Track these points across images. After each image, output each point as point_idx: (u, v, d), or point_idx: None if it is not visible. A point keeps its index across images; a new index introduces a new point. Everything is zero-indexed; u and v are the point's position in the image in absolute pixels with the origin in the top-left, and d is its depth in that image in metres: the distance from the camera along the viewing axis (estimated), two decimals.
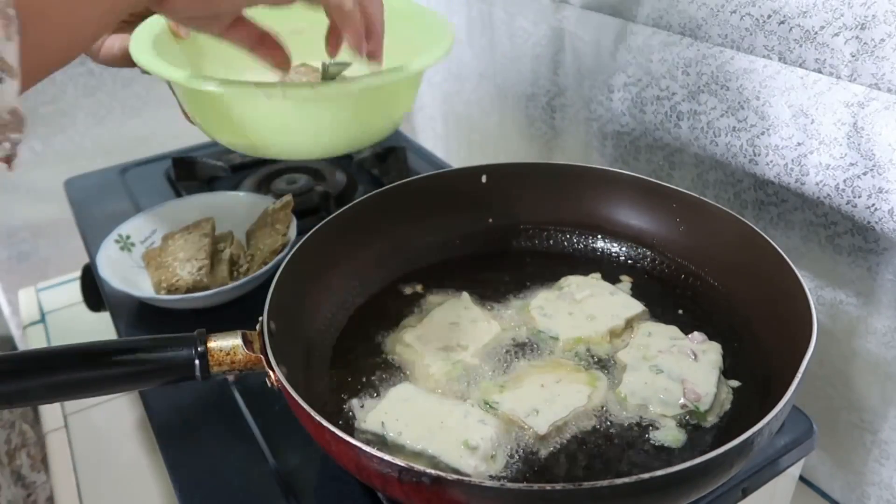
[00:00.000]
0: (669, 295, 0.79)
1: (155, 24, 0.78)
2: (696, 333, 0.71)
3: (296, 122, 0.73)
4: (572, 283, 0.79)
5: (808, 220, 0.77)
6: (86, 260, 1.04)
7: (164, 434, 0.72)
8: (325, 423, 0.54)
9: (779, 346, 0.64)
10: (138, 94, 1.47)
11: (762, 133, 0.78)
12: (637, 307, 0.76)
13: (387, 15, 0.69)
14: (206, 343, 0.61)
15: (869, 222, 0.70)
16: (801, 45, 0.72)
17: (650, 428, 0.64)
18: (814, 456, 0.82)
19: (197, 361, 0.60)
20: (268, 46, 0.71)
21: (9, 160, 0.41)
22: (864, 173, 0.69)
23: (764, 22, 0.74)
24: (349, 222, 0.79)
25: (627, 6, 0.90)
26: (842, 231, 0.73)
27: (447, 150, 1.49)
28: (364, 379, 0.70)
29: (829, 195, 0.73)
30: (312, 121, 0.73)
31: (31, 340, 1.20)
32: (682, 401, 0.64)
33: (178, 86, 0.73)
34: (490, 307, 0.78)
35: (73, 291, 1.14)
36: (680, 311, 0.76)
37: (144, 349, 0.60)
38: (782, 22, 0.72)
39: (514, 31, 1.10)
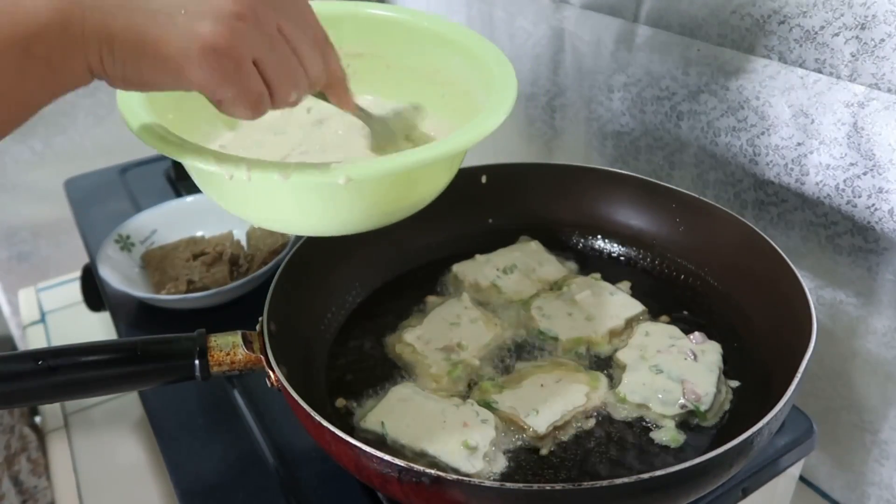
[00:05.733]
0: (669, 295, 0.79)
1: None
2: (696, 333, 0.71)
3: (275, 203, 0.56)
4: (572, 283, 0.79)
5: (808, 220, 0.77)
6: (86, 260, 1.04)
7: (164, 434, 0.72)
8: (325, 424, 0.54)
9: (779, 346, 0.64)
10: None
11: (762, 133, 0.78)
12: (637, 307, 0.76)
13: (436, 51, 0.64)
14: (206, 343, 0.61)
15: (869, 222, 0.70)
16: (801, 45, 0.72)
17: (650, 428, 0.64)
18: (814, 456, 0.82)
19: (197, 361, 0.60)
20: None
21: None
22: (864, 173, 0.69)
23: (764, 22, 0.74)
24: None
25: (627, 6, 0.90)
26: (842, 231, 0.73)
27: None
28: (364, 379, 0.70)
29: (829, 195, 0.73)
30: (296, 204, 0.56)
31: (31, 340, 1.20)
32: (681, 401, 0.64)
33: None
34: (490, 307, 0.78)
35: (73, 291, 1.14)
36: (680, 311, 0.76)
37: (144, 349, 0.60)
38: (782, 22, 0.72)
39: (514, 31, 1.10)
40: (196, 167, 0.51)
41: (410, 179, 0.57)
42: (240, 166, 0.49)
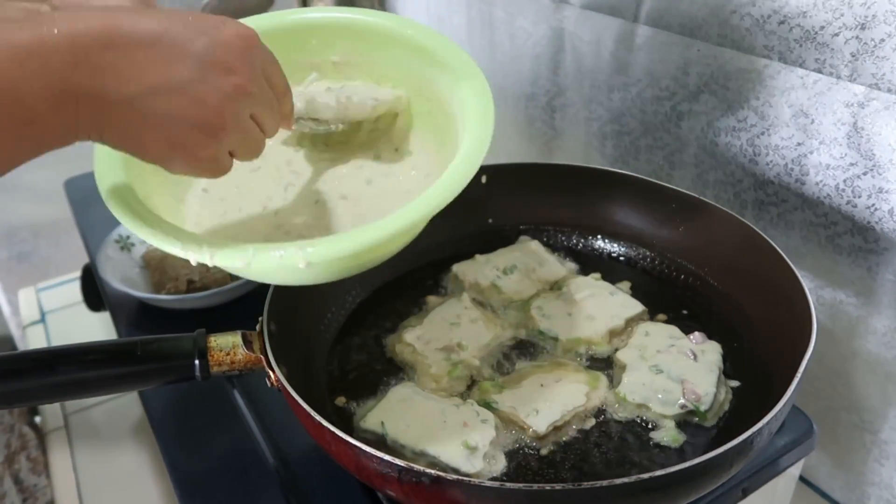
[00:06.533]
0: (669, 295, 0.79)
1: None
2: (696, 333, 0.71)
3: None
4: (572, 283, 0.79)
5: (808, 220, 0.77)
6: (86, 260, 1.04)
7: (164, 434, 0.72)
8: (325, 423, 0.54)
9: (779, 346, 0.64)
10: None
11: (762, 133, 0.78)
12: (637, 307, 0.76)
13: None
14: (206, 343, 0.61)
15: (869, 222, 0.70)
16: (801, 45, 0.72)
17: (650, 428, 0.64)
18: (814, 456, 0.82)
19: (197, 361, 0.60)
20: None
21: None
22: (864, 173, 0.69)
23: (764, 22, 0.74)
24: None
25: (627, 6, 0.90)
26: (842, 231, 0.73)
27: None
28: (364, 379, 0.70)
29: (829, 195, 0.73)
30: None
31: (31, 340, 1.21)
32: (681, 401, 0.64)
33: None
34: (490, 307, 0.78)
35: (73, 291, 1.14)
36: (680, 311, 0.76)
37: (144, 349, 0.60)
38: (782, 22, 0.72)
39: (514, 31, 1.10)
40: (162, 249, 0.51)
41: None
42: (202, 251, 0.49)
